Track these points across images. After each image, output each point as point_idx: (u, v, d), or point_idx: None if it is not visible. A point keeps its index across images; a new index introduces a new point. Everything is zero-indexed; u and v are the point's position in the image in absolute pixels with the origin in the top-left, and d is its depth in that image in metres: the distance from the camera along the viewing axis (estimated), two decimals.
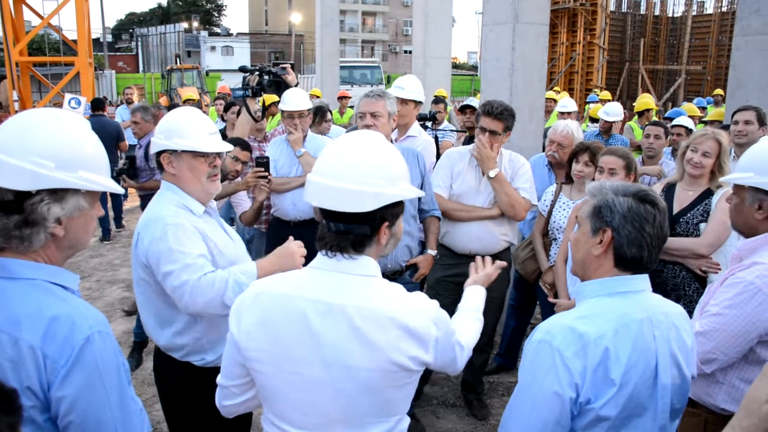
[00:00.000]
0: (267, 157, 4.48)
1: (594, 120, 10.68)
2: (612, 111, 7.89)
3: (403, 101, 5.06)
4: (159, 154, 2.64)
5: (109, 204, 10.17)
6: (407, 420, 1.91)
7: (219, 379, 1.94)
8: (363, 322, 1.70)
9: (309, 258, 1.88)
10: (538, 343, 1.77)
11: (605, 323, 1.75)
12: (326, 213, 1.77)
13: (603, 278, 1.88)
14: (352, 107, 12.97)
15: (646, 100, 9.56)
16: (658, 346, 1.80)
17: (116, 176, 6.02)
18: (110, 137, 9.57)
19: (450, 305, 4.38)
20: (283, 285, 1.81)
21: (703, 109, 11.24)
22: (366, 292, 1.75)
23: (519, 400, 1.80)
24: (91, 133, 1.77)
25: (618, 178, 3.70)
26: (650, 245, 1.83)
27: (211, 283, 2.44)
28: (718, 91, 16.11)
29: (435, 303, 1.84)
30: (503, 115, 4.06)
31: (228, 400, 1.95)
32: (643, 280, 1.89)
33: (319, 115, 6.52)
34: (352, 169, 1.74)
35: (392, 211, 1.81)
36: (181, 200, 2.63)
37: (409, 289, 1.91)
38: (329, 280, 1.77)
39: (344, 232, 1.75)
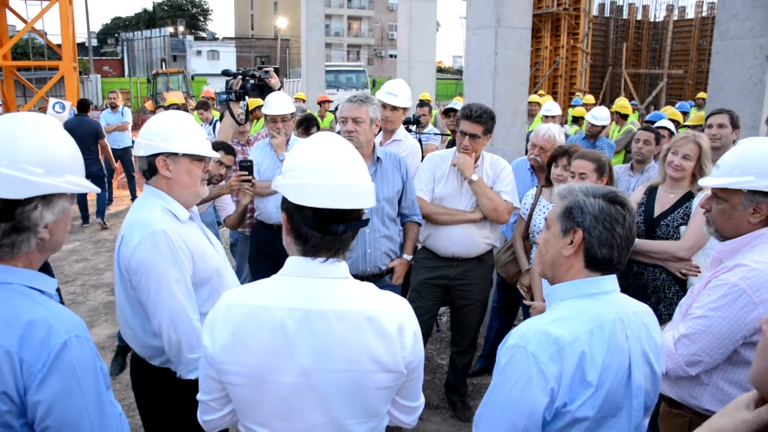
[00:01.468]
0: (251, 161, 4.48)
1: (575, 120, 10.76)
2: (600, 115, 7.98)
3: (394, 108, 5.09)
4: (154, 156, 2.57)
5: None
6: (386, 419, 1.92)
7: (198, 395, 1.92)
8: (340, 325, 1.71)
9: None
10: (512, 347, 1.76)
11: (579, 325, 1.75)
12: (331, 218, 1.73)
13: (574, 280, 1.88)
14: (332, 111, 12.96)
15: (620, 103, 9.78)
16: (631, 345, 1.80)
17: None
18: (89, 135, 10.32)
19: (432, 307, 4.46)
20: (256, 296, 1.78)
21: (685, 113, 11.36)
22: (341, 295, 1.76)
23: (490, 403, 1.80)
24: (68, 136, 1.78)
25: (589, 182, 3.69)
26: (620, 246, 1.84)
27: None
28: (702, 94, 16.25)
29: (405, 300, 1.87)
30: (482, 118, 4.07)
31: (208, 415, 1.92)
32: (613, 281, 1.90)
33: (304, 125, 6.52)
34: (355, 168, 1.79)
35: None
36: (166, 205, 2.59)
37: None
38: (304, 286, 1.76)
39: (344, 233, 1.76)
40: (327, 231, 1.74)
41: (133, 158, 12.41)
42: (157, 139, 2.56)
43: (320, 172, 1.74)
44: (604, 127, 8.11)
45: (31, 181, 1.59)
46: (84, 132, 10.15)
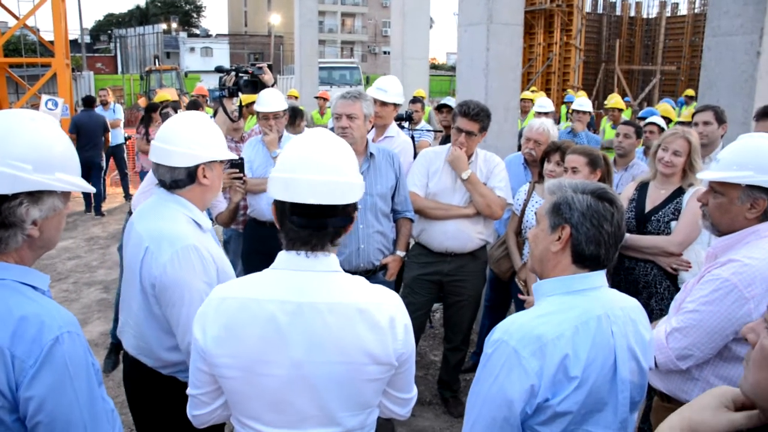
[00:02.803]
0: (242, 158, 4.47)
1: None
2: (585, 103, 8.26)
3: (383, 103, 5.09)
4: (196, 166, 2.48)
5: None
6: (377, 411, 1.94)
7: (188, 389, 1.92)
8: (332, 317, 1.73)
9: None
10: (495, 341, 1.77)
11: (564, 322, 1.76)
12: (305, 212, 1.77)
13: (561, 276, 1.89)
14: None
15: (615, 99, 10.04)
16: (616, 341, 1.81)
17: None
18: (98, 128, 11.28)
19: (426, 303, 4.48)
20: (248, 289, 1.80)
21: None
22: (332, 287, 1.78)
23: (474, 394, 1.82)
24: (63, 134, 1.78)
25: (581, 176, 3.72)
26: (608, 243, 1.85)
27: None
28: (689, 91, 16.36)
29: (396, 293, 1.89)
30: (479, 116, 4.10)
31: (198, 410, 1.93)
32: (600, 277, 1.91)
33: (298, 117, 6.52)
34: (334, 164, 1.78)
35: (356, 203, 1.86)
36: (190, 215, 2.50)
37: None
38: (295, 279, 1.77)
39: (325, 227, 1.78)
40: (302, 225, 1.77)
41: (126, 155, 12.43)
42: (200, 148, 2.48)
43: (294, 166, 1.78)
44: (590, 114, 8.28)
45: (17, 177, 1.59)
46: (94, 125, 11.24)
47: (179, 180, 2.49)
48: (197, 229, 2.50)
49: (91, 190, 1.86)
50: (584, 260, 1.87)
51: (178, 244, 2.36)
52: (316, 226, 1.77)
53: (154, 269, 2.36)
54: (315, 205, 1.74)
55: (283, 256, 1.82)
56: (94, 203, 11.48)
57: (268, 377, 1.74)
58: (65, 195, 1.75)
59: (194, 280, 2.37)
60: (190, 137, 2.48)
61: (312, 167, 1.76)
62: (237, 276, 2.68)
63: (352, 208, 1.83)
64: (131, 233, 2.56)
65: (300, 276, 1.78)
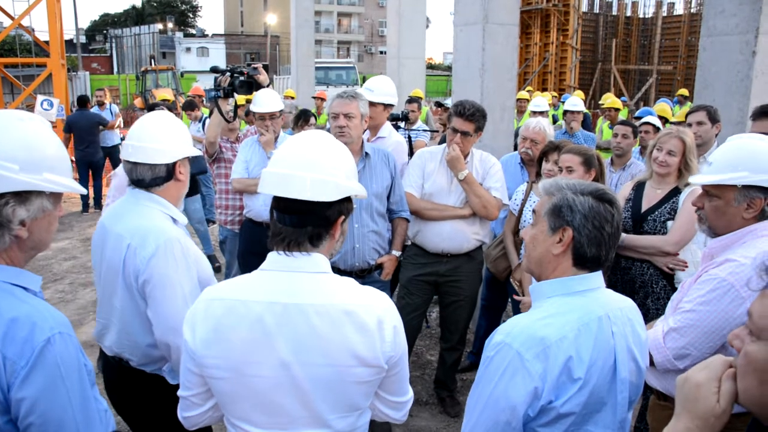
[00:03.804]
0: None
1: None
2: (578, 102, 8.28)
3: (371, 103, 5.06)
4: (174, 162, 2.55)
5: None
6: (368, 413, 1.93)
7: (179, 391, 1.92)
8: (318, 319, 1.72)
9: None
10: (498, 344, 1.76)
11: (566, 324, 1.74)
12: (283, 207, 1.78)
13: (561, 278, 1.87)
14: None
15: (611, 99, 10.12)
16: (616, 341, 1.80)
17: None
18: (92, 126, 11.40)
19: (422, 304, 4.47)
20: (235, 290, 1.80)
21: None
22: (319, 289, 1.77)
23: (475, 395, 1.80)
24: (53, 134, 1.77)
25: (576, 176, 3.72)
26: (608, 244, 1.84)
27: None
28: (682, 91, 16.39)
29: (386, 295, 1.87)
30: (475, 116, 4.09)
31: (189, 411, 1.93)
32: (599, 277, 1.89)
33: (302, 119, 6.51)
34: (313, 161, 1.77)
35: (347, 206, 1.85)
36: (166, 211, 2.54)
37: (379, 288, 1.93)
38: (282, 281, 1.77)
39: (302, 226, 1.77)
40: (280, 220, 1.80)
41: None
42: (177, 144, 2.55)
43: (275, 162, 1.81)
44: (584, 113, 8.30)
45: (2, 177, 1.58)
46: (87, 124, 11.34)
47: (158, 177, 2.54)
48: (174, 224, 2.55)
49: (82, 191, 1.85)
50: (585, 262, 1.86)
51: (162, 237, 2.40)
52: (290, 222, 1.77)
53: (138, 263, 2.39)
54: (291, 201, 1.75)
55: (272, 257, 1.82)
56: (94, 198, 11.63)
57: (256, 378, 1.74)
58: (56, 196, 1.73)
59: (177, 274, 2.41)
60: (166, 134, 2.55)
61: (288, 162, 1.78)
62: (233, 276, 2.69)
63: (335, 210, 1.81)
64: (106, 235, 2.57)
65: (288, 277, 1.77)
